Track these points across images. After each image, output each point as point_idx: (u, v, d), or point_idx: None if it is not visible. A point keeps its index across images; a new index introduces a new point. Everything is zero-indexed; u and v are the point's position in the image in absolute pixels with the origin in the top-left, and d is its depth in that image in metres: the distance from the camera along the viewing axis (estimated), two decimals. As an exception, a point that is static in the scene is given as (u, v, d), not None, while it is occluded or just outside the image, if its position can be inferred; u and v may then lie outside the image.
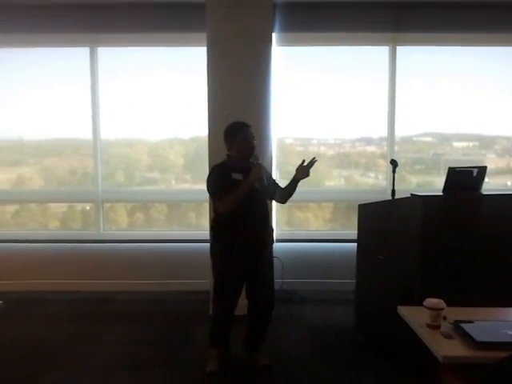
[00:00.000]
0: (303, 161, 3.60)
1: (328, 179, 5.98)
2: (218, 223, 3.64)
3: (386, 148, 5.69)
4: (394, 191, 3.83)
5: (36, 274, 5.63)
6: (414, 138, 5.95)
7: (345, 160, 5.97)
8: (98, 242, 5.69)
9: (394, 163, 3.89)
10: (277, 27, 5.09)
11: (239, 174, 3.49)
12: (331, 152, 5.98)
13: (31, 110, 5.70)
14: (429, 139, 5.99)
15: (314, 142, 6.01)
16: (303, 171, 3.58)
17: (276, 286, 4.56)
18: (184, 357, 3.97)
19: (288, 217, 5.90)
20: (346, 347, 4.14)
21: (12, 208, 6.06)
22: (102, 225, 5.81)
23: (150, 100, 5.65)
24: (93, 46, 5.55)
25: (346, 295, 4.45)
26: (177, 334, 4.44)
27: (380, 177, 5.89)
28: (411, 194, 3.58)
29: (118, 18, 5.31)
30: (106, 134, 5.74)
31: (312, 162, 3.57)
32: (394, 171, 3.88)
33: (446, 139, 5.93)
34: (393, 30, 5.39)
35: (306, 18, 5.23)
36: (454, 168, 3.59)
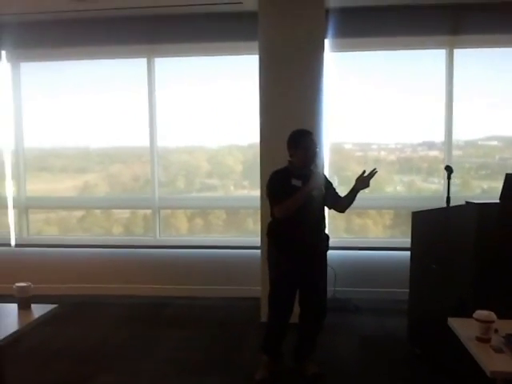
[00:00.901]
0: (363, 171, 3.56)
1: (388, 185, 5.85)
2: (274, 229, 3.67)
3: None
4: (448, 198, 3.71)
5: (95, 279, 5.83)
6: (479, 142, 5.71)
7: (406, 165, 5.82)
8: (153, 248, 5.83)
9: (448, 169, 3.77)
10: (329, 33, 5.05)
11: (299, 180, 3.51)
12: (392, 157, 5.84)
13: (96, 119, 5.92)
14: (495, 143, 5.74)
15: (374, 146, 5.89)
16: (363, 182, 3.54)
17: (328, 295, 4.49)
18: (235, 363, 4.00)
19: (346, 223, 5.81)
20: (398, 358, 4.04)
21: (79, 213, 6.31)
22: (158, 231, 5.95)
23: (208, 107, 5.74)
24: (150, 56, 5.71)
25: (402, 305, 4.33)
26: (229, 339, 4.47)
27: (443, 182, 5.68)
28: (466, 202, 3.46)
29: (173, 29, 5.47)
30: (166, 141, 5.90)
31: (372, 174, 3.53)
32: (449, 177, 3.75)
33: (512, 143, 5.67)
34: (449, 33, 5.22)
35: (359, 23, 5.17)
36: (513, 174, 3.43)
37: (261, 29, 4.71)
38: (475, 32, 5.15)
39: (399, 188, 5.86)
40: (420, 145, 5.79)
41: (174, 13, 5.33)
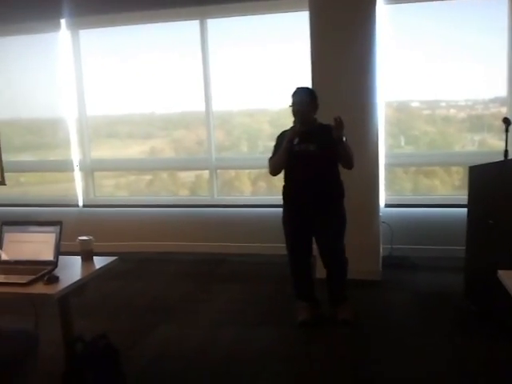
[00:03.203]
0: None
1: (458, 143, 5.59)
2: (283, 185, 3.83)
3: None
4: (506, 152, 3.55)
5: (156, 237, 6.02)
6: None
7: (477, 123, 5.52)
8: (210, 207, 5.96)
9: (506, 122, 3.63)
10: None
11: (296, 138, 3.55)
12: (462, 114, 5.57)
13: (158, 85, 6.00)
14: None
15: (443, 104, 5.64)
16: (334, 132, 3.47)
17: (385, 253, 4.45)
18: (288, 316, 4.01)
19: (414, 183, 5.65)
20: (455, 314, 4.00)
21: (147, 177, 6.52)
22: (216, 191, 6.04)
23: (264, 68, 5.67)
24: (202, 17, 5.70)
25: (459, 262, 4.22)
26: (283, 294, 4.46)
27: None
28: (523, 154, 3.28)
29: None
30: (227, 105, 5.93)
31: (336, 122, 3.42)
32: (506, 130, 3.64)
33: None
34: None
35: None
36: None
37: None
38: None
39: (471, 147, 5.57)
40: (492, 101, 5.47)
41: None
